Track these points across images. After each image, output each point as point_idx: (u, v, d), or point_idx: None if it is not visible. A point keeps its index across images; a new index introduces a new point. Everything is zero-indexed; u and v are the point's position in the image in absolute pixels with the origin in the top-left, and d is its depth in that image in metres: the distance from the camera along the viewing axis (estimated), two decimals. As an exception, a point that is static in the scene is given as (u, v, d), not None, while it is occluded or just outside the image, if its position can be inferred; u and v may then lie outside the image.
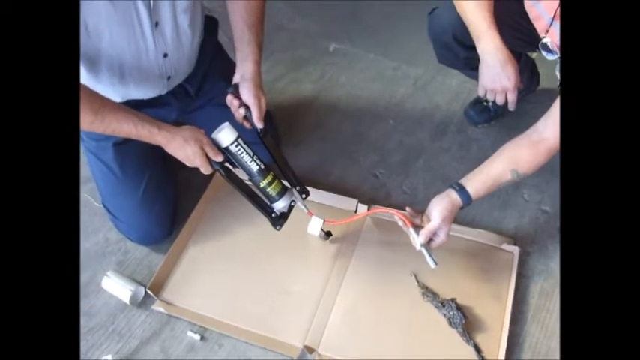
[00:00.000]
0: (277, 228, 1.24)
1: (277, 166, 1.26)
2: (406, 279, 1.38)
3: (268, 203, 1.23)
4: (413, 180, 1.64)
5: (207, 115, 1.45)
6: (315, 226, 1.39)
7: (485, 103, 1.71)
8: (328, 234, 1.42)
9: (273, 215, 1.23)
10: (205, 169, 1.18)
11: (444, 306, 1.31)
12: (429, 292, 1.35)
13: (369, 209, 1.49)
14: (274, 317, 1.34)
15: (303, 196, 1.28)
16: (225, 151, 1.15)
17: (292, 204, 1.25)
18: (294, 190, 1.25)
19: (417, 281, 1.37)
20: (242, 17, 1.25)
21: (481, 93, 1.37)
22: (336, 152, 1.70)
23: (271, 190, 1.20)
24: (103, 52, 1.17)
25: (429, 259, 1.23)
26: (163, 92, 1.34)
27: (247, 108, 1.23)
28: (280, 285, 1.39)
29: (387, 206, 1.44)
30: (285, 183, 1.25)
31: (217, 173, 1.18)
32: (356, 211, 1.49)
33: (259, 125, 1.22)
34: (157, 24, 1.17)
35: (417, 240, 1.23)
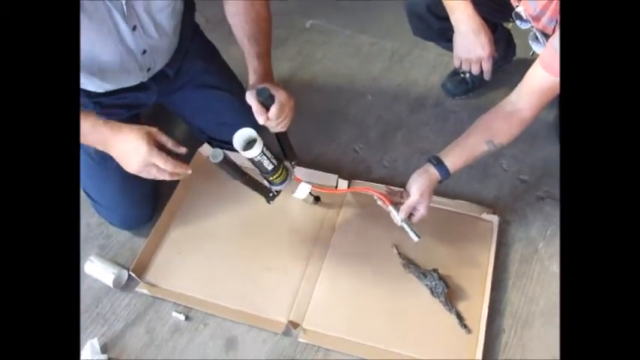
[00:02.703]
0: (270, 203, 1.25)
1: (279, 142, 1.24)
2: (388, 251, 1.39)
3: (268, 186, 1.23)
4: (392, 154, 1.63)
5: (187, 96, 1.45)
6: (303, 191, 1.38)
7: (462, 75, 1.72)
8: (317, 199, 1.43)
9: (270, 195, 1.24)
10: (170, 168, 1.06)
11: (425, 277, 1.32)
12: (410, 264, 1.36)
13: (349, 185, 1.50)
14: (258, 294, 1.34)
15: (293, 163, 1.28)
16: (250, 160, 1.12)
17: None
18: (291, 167, 1.25)
19: (399, 253, 1.37)
20: (242, 27, 1.21)
21: (456, 64, 1.37)
22: (315, 129, 1.69)
23: (277, 179, 1.21)
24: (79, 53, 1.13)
25: (411, 234, 1.24)
26: (144, 80, 1.33)
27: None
28: (263, 262, 1.39)
29: (368, 180, 1.49)
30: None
31: (196, 156, 1.15)
32: (336, 187, 1.49)
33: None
34: (134, 27, 1.15)
35: (398, 216, 1.25)
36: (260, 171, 1.19)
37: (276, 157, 1.18)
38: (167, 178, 1.08)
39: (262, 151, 1.11)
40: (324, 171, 1.53)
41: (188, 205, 1.50)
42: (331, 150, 1.65)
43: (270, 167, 1.17)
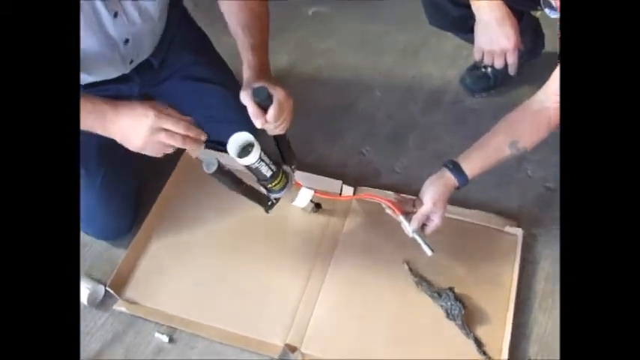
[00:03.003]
0: (268, 212, 1.25)
1: (277, 144, 1.24)
2: (398, 267, 1.36)
3: (266, 194, 1.23)
4: (404, 157, 1.62)
5: (173, 89, 1.44)
6: (304, 198, 1.36)
7: (483, 70, 1.68)
8: (318, 206, 1.41)
9: (269, 203, 1.24)
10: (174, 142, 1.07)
11: (440, 296, 1.30)
12: (423, 282, 1.33)
13: (355, 192, 1.48)
14: (251, 314, 1.32)
15: (293, 167, 1.27)
16: (247, 167, 1.13)
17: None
18: (291, 172, 1.25)
19: (410, 269, 1.36)
20: (235, 15, 1.19)
21: (477, 57, 1.35)
22: (318, 128, 1.68)
23: (277, 186, 1.21)
24: None
25: (423, 247, 1.23)
26: (126, 72, 1.32)
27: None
28: (257, 278, 1.37)
29: (377, 187, 1.46)
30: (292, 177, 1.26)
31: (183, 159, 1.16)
32: (340, 193, 1.47)
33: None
34: (116, 14, 1.14)
35: (409, 227, 1.23)
36: (257, 178, 1.18)
37: (274, 162, 1.17)
38: (179, 144, 1.06)
39: (260, 157, 1.10)
40: (328, 176, 1.51)
41: (173, 212, 1.48)
42: (335, 152, 1.63)
43: (268, 174, 1.16)
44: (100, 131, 1.08)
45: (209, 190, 1.41)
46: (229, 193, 1.17)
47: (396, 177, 1.57)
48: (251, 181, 1.20)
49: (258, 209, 1.26)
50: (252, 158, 1.09)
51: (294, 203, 1.37)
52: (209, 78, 1.44)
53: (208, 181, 1.12)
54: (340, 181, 1.49)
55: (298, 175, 1.33)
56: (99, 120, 1.07)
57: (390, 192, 1.43)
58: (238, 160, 1.08)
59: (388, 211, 1.26)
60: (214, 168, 1.05)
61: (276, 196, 1.24)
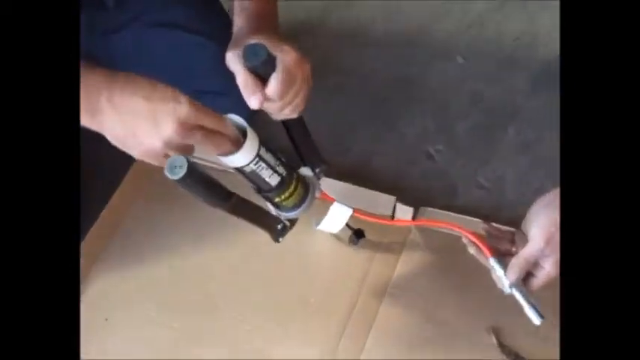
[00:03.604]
0: (279, 240, 1.21)
1: (288, 134, 1.25)
2: (479, 339, 1.28)
3: (274, 212, 1.20)
4: (496, 163, 1.55)
5: (134, 41, 1.39)
6: (336, 220, 1.31)
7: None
8: (359, 234, 1.34)
9: (279, 227, 1.20)
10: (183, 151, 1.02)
11: (546, 389, 1.19)
12: (519, 361, 1.25)
13: (415, 215, 1.40)
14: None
15: (317, 171, 1.26)
16: (238, 171, 1.09)
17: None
18: (313, 179, 1.22)
19: (500, 344, 1.27)
20: None
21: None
22: (362, 113, 1.61)
23: (289, 201, 1.17)
24: None
25: (527, 310, 1.13)
26: None
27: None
28: (256, 343, 1.29)
29: (451, 209, 1.40)
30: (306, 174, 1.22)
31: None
32: (393, 216, 1.40)
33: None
34: None
35: (505, 277, 1.14)
36: (257, 187, 1.12)
37: (284, 164, 1.10)
38: (215, 150, 1.03)
39: (258, 155, 1.04)
40: (374, 188, 1.42)
41: (124, 238, 1.42)
42: (387, 152, 1.56)
43: (274, 181, 1.10)
44: (88, 122, 1.00)
45: (182, 206, 1.34)
46: (213, 211, 1.07)
47: (482, 195, 1.51)
48: (250, 193, 1.13)
49: (261, 237, 1.19)
50: (244, 156, 1.03)
51: (319, 228, 1.31)
52: (189, 25, 1.40)
53: (179, 194, 1.04)
54: (393, 198, 1.41)
55: (326, 186, 1.27)
56: (89, 99, 0.99)
57: (473, 218, 1.36)
58: (225, 159, 1.04)
59: (471, 249, 1.16)
60: (182, 172, 0.96)
61: (290, 215, 1.18)
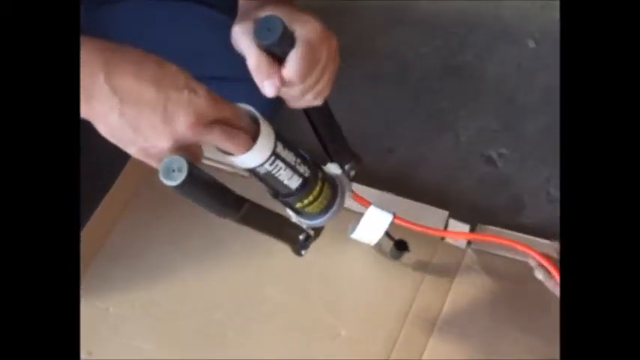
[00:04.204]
0: (301, 254, 1.15)
1: (312, 126, 1.19)
2: None
3: (296, 219, 1.14)
4: None
5: (129, 15, 1.33)
6: (373, 227, 1.23)
7: None
8: (401, 246, 1.27)
9: (302, 237, 1.14)
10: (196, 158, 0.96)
11: None
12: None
13: (473, 230, 1.33)
14: None
15: (347, 167, 1.19)
16: (250, 173, 1.04)
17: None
18: (342, 177, 1.16)
19: None
20: None
21: None
22: (405, 107, 1.53)
23: (313, 206, 1.10)
24: None
25: None
26: None
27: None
28: None
29: (516, 228, 1.34)
30: (332, 172, 1.17)
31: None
32: (446, 229, 1.37)
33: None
34: None
35: None
36: (275, 192, 1.05)
37: (306, 161, 1.02)
38: (232, 148, 0.96)
39: (274, 152, 0.97)
40: (420, 200, 1.36)
41: (114, 249, 1.33)
42: (437, 155, 1.48)
43: (294, 183, 1.02)
44: (83, 111, 0.92)
45: (185, 213, 1.25)
46: (219, 220, 0.99)
47: (555, 209, 1.43)
48: (265, 197, 1.06)
49: (278, 249, 1.11)
50: (256, 155, 0.95)
51: (353, 236, 1.23)
52: None
53: (178, 201, 0.95)
54: (445, 213, 1.33)
55: (361, 190, 1.22)
56: (84, 81, 0.89)
57: (542, 240, 1.29)
58: (232, 159, 0.96)
59: (539, 274, 1.12)
60: (181, 176, 0.88)
61: (315, 223, 1.12)
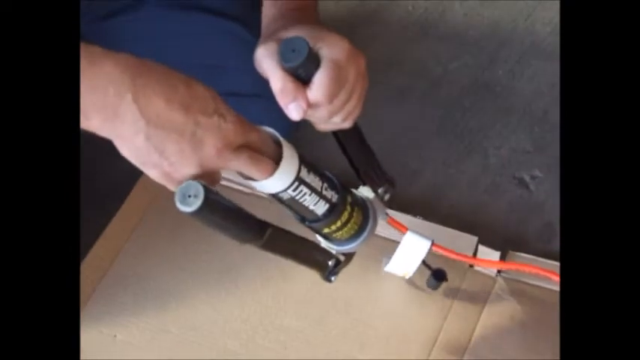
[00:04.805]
0: (331, 280, 1.14)
1: (343, 149, 1.18)
2: None
3: (325, 245, 1.12)
4: None
5: (142, 27, 1.31)
6: (409, 255, 1.21)
7: None
8: (440, 276, 1.26)
9: (331, 263, 1.12)
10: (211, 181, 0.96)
11: None
12: None
13: (504, 256, 1.31)
14: None
15: (381, 191, 1.18)
16: (274, 197, 1.02)
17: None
18: (375, 200, 1.15)
19: None
20: None
21: None
22: (433, 126, 1.51)
23: (343, 231, 1.09)
24: None
25: None
26: None
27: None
28: None
29: (549, 255, 1.31)
30: (363, 193, 1.16)
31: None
32: (475, 256, 1.34)
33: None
34: None
35: None
36: (301, 217, 1.04)
37: (334, 186, 1.01)
38: (263, 176, 0.95)
39: (298, 177, 0.96)
40: (448, 225, 1.32)
41: (121, 271, 1.30)
42: (466, 177, 1.45)
43: (320, 209, 1.01)
44: (95, 125, 0.89)
45: (195, 236, 1.25)
46: (232, 243, 0.96)
47: None
48: (291, 222, 1.04)
49: (296, 273, 1.17)
50: (278, 180, 0.94)
51: (387, 269, 1.22)
52: (215, 7, 1.32)
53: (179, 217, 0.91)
54: (474, 239, 1.30)
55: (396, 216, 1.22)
56: (97, 100, 0.87)
57: None
58: (255, 184, 0.95)
59: None
60: (198, 202, 0.86)
61: (345, 249, 1.10)
